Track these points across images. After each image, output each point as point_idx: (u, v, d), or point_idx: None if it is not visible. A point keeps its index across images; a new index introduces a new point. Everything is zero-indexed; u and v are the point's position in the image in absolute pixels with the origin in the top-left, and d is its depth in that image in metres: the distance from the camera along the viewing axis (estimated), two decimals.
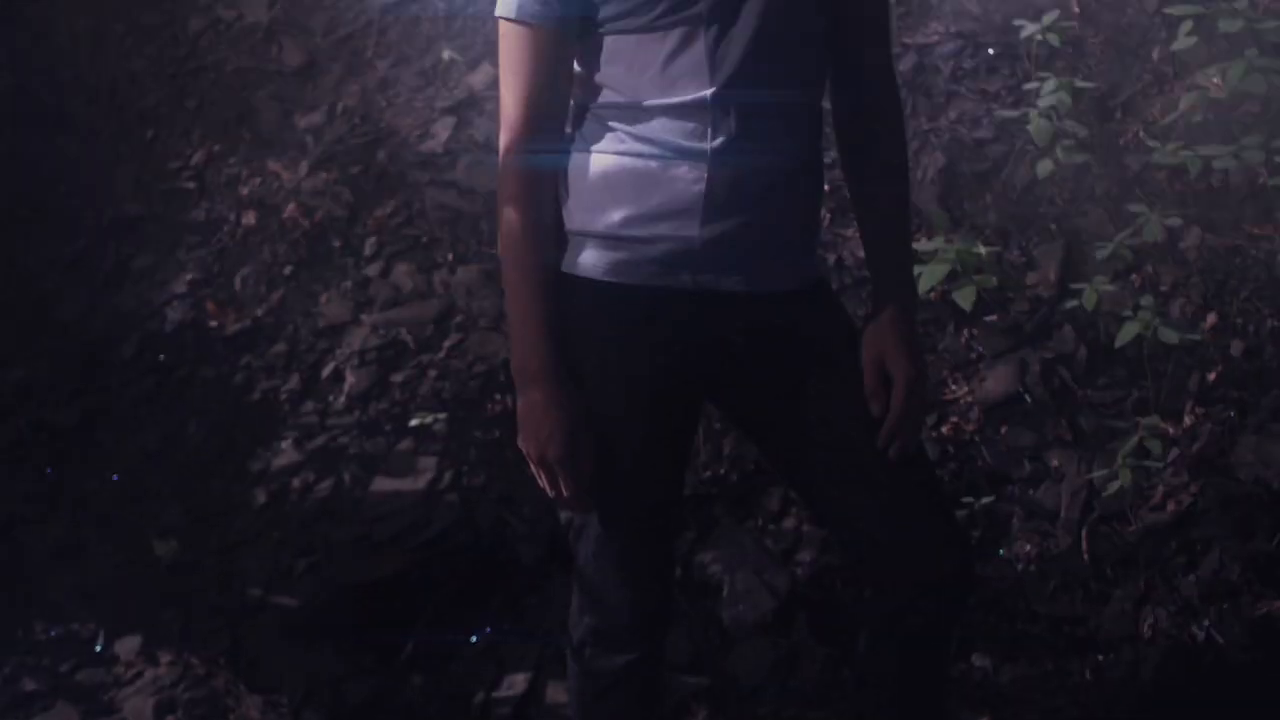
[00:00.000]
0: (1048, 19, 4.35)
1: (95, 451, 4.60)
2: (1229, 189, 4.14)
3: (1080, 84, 4.25)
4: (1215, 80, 4.15)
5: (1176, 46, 4.25)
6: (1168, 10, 4.33)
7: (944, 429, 3.99)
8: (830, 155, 2.85)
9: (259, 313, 4.77)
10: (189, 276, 4.91)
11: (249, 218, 4.95)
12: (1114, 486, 3.71)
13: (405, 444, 4.34)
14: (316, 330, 4.69)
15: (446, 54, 5.10)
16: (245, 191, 5.00)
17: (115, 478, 4.54)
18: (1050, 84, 4.22)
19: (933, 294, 4.09)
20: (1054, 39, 4.34)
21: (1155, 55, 4.44)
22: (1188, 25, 4.21)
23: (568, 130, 2.52)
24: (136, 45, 5.29)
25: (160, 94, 5.21)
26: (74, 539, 4.41)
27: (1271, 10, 4.19)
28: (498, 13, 2.48)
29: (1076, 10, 4.55)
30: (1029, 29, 4.36)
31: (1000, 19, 4.59)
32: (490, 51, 4.96)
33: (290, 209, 4.93)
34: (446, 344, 4.56)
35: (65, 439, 4.65)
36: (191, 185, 5.05)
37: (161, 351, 4.77)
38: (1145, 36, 4.48)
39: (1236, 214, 4.13)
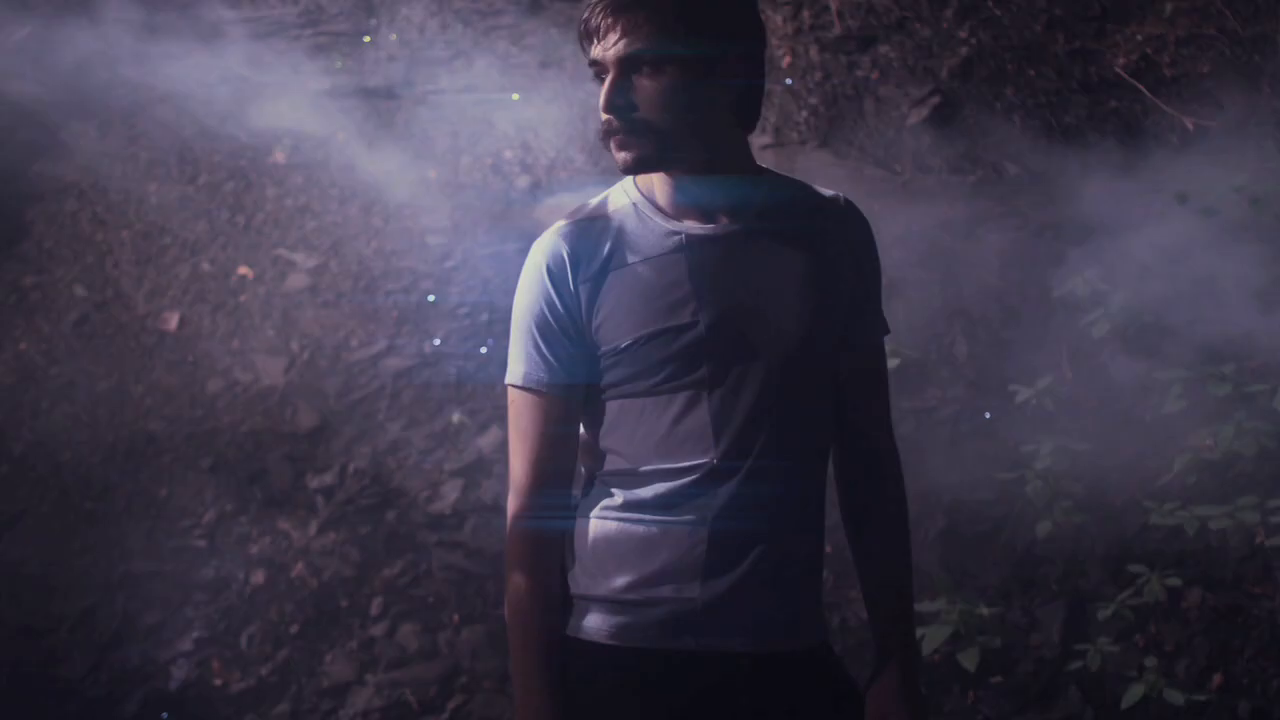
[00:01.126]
0: (1041, 383, 4.46)
1: None
2: (1227, 549, 4.17)
3: (1076, 446, 4.32)
4: (1207, 442, 4.23)
5: (1168, 409, 4.34)
6: (1157, 375, 4.44)
7: None
8: (833, 516, 2.89)
9: (264, 671, 4.75)
10: (195, 634, 4.90)
11: (258, 576, 4.98)
12: None
13: None
14: (320, 690, 4.66)
15: (456, 417, 5.20)
16: (255, 550, 5.03)
17: None
18: (1046, 446, 4.30)
19: (936, 655, 4.08)
20: (1048, 403, 4.44)
21: (1148, 418, 4.53)
22: (1177, 389, 4.31)
23: (575, 494, 2.56)
24: (155, 406, 5.40)
25: (175, 453, 5.30)
26: None
27: (1257, 374, 4.29)
28: (506, 380, 2.54)
29: (1069, 375, 4.65)
30: (1024, 393, 4.46)
31: (995, 384, 4.69)
32: (499, 415, 5.07)
33: (298, 568, 4.96)
34: (451, 705, 4.53)
35: None
36: (202, 543, 5.09)
37: (165, 709, 4.74)
38: (1137, 399, 4.57)
39: (1236, 573, 4.15)
